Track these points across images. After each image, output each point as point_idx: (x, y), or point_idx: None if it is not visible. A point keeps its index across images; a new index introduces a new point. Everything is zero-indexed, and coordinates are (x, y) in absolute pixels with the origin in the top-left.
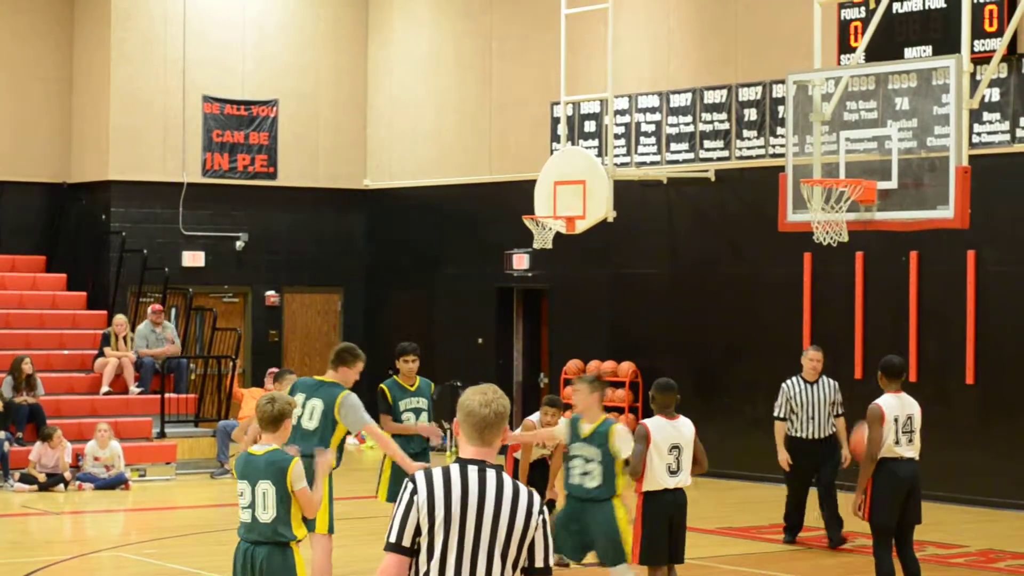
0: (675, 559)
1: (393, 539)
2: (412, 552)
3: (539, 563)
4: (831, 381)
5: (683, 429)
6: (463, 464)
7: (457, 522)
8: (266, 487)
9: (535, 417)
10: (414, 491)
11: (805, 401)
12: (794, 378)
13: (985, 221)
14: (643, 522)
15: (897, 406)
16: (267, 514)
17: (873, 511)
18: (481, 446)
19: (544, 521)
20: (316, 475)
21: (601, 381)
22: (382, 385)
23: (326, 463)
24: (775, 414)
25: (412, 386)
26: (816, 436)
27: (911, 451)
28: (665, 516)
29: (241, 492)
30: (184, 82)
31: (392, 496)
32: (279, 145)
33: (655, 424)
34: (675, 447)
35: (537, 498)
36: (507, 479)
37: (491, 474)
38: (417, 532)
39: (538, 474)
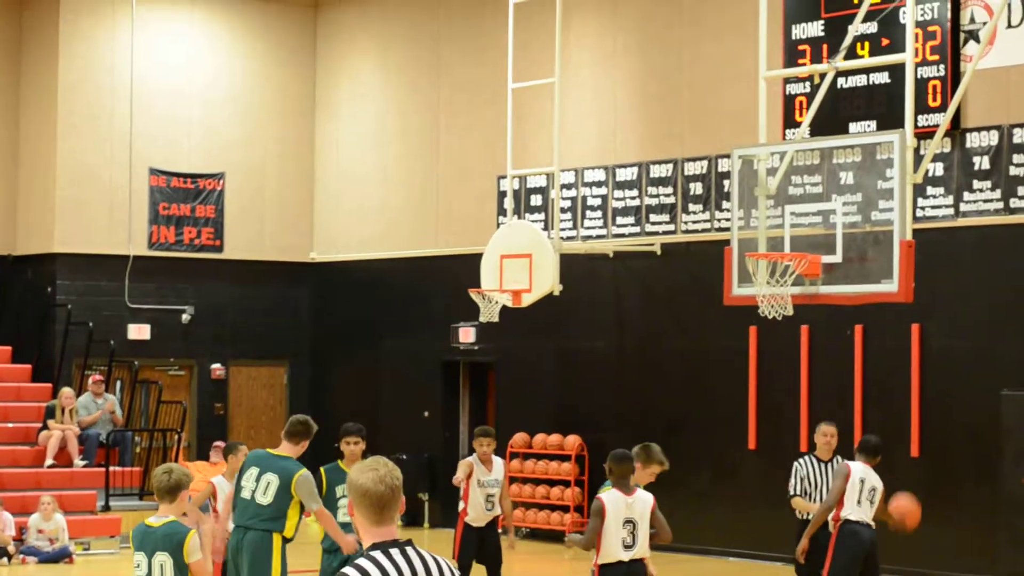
0: None
1: None
2: None
3: None
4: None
5: (637, 504)
6: (384, 550)
7: None
8: (163, 559)
9: (472, 458)
10: None
11: (820, 482)
12: (806, 456)
13: (929, 295)
14: None
15: (864, 472)
16: None
17: (833, 570)
18: (384, 525)
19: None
20: (203, 546)
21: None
22: (321, 469)
23: (208, 533)
24: (791, 493)
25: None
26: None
27: (868, 518)
28: None
29: (138, 564)
30: (131, 154)
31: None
32: (225, 218)
33: (610, 498)
34: (629, 521)
35: (449, 565)
36: (424, 553)
37: (411, 552)
38: None
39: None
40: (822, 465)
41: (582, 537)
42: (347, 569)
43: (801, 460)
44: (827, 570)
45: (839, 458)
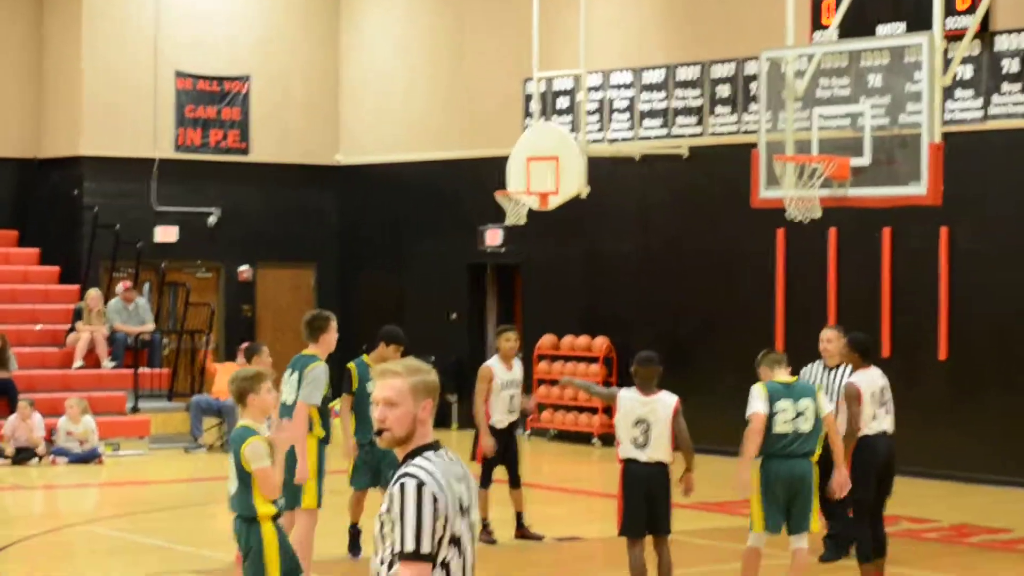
0: (656, 531)
1: (427, 549)
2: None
3: None
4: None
5: (656, 406)
6: (435, 450)
7: (456, 513)
8: (232, 461)
9: (491, 361)
10: (435, 496)
11: (825, 389)
12: (814, 363)
13: (957, 197)
14: (622, 493)
15: (870, 382)
16: (232, 487)
17: (853, 486)
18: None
19: None
20: (276, 453)
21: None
22: (351, 365)
23: (286, 439)
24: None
25: None
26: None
27: (888, 422)
28: (640, 488)
29: (229, 465)
30: (156, 58)
31: (357, 483)
32: (251, 121)
33: (625, 395)
34: (641, 421)
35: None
36: (451, 451)
37: (450, 454)
38: (442, 534)
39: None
40: (828, 372)
41: (587, 384)
42: (411, 469)
43: (808, 367)
44: (845, 489)
45: (847, 366)
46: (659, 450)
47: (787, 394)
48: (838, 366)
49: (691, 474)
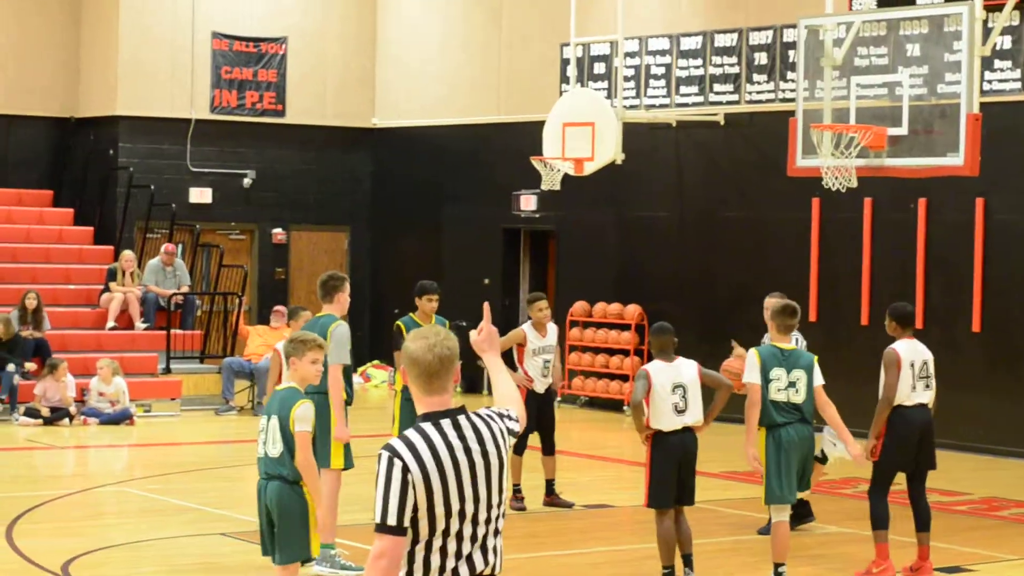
0: (683, 501)
1: (393, 522)
2: (407, 530)
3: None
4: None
5: (683, 369)
6: (435, 422)
7: (455, 485)
8: (275, 422)
9: (525, 326)
10: (405, 468)
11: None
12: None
13: (994, 169)
14: (651, 464)
15: (912, 352)
16: (275, 449)
17: (882, 455)
18: (435, 395)
19: (511, 432)
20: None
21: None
22: (399, 323)
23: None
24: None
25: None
26: None
27: (927, 396)
28: (673, 458)
29: (262, 427)
30: (194, 18)
31: None
32: (287, 83)
33: (654, 367)
34: (679, 386)
35: (498, 419)
36: (473, 418)
37: (463, 420)
38: (415, 509)
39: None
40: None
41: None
42: (393, 441)
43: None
44: (877, 455)
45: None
46: (696, 412)
47: (782, 362)
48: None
49: (715, 414)
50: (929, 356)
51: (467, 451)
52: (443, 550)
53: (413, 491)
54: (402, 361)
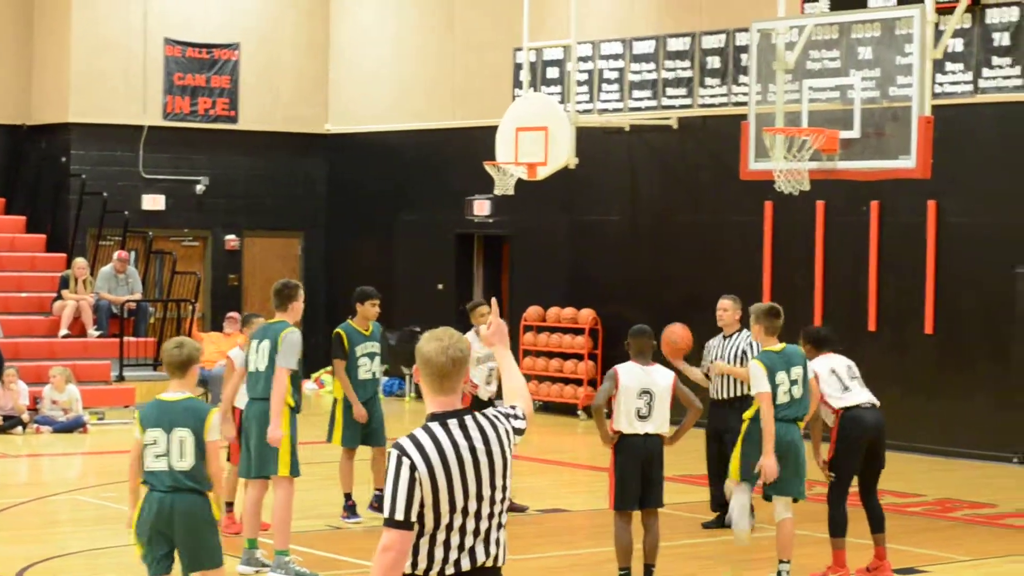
0: (649, 504)
1: (400, 516)
2: (414, 524)
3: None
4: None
5: (656, 376)
6: (442, 421)
7: (459, 483)
8: (183, 434)
9: (468, 334)
10: (412, 466)
11: (724, 357)
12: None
13: (946, 171)
14: (615, 466)
15: (827, 361)
16: (184, 462)
17: (836, 458)
18: (445, 395)
19: (516, 431)
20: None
21: None
22: (339, 330)
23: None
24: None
25: (367, 331)
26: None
27: (864, 395)
28: (636, 460)
29: (154, 440)
30: (146, 24)
31: (347, 440)
32: (240, 88)
33: (625, 368)
34: (646, 392)
35: (503, 420)
36: (484, 420)
37: (469, 421)
38: (421, 505)
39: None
40: (724, 340)
41: (594, 408)
42: (402, 440)
43: (713, 340)
44: (828, 460)
45: (746, 333)
46: (660, 421)
47: (782, 364)
48: (733, 334)
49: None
50: (851, 361)
51: (472, 450)
52: (447, 543)
53: (420, 488)
54: (416, 360)
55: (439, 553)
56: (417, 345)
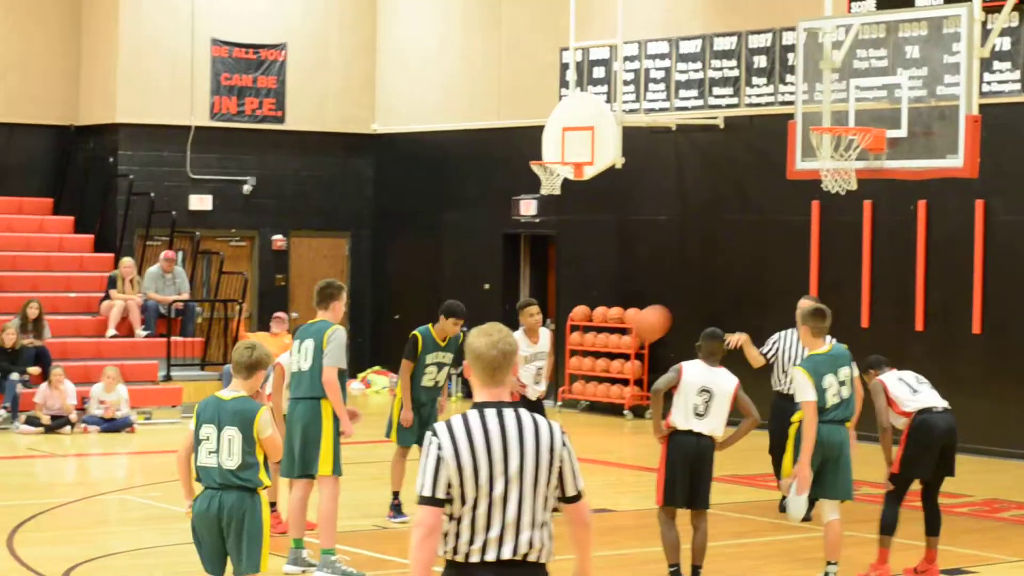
0: (695, 504)
1: (427, 493)
2: (446, 502)
3: (569, 492)
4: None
5: (720, 378)
6: (480, 409)
7: (485, 469)
8: (232, 433)
9: (517, 334)
10: (439, 447)
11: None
12: (789, 331)
13: (994, 170)
14: (664, 463)
15: (893, 374)
16: (232, 461)
17: (903, 461)
18: (493, 387)
19: (569, 450)
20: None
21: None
22: (416, 332)
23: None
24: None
25: (443, 341)
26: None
27: (934, 397)
28: (685, 459)
29: (207, 436)
30: (193, 25)
31: (401, 438)
32: (287, 89)
33: (690, 364)
34: (705, 390)
35: (559, 429)
36: (526, 415)
37: (509, 414)
38: (449, 484)
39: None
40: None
41: (654, 390)
42: (437, 425)
43: (782, 334)
44: (897, 463)
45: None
46: (716, 422)
47: (829, 367)
48: None
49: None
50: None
51: (503, 438)
52: (473, 525)
53: (445, 468)
54: (466, 354)
55: (465, 535)
56: (467, 340)
